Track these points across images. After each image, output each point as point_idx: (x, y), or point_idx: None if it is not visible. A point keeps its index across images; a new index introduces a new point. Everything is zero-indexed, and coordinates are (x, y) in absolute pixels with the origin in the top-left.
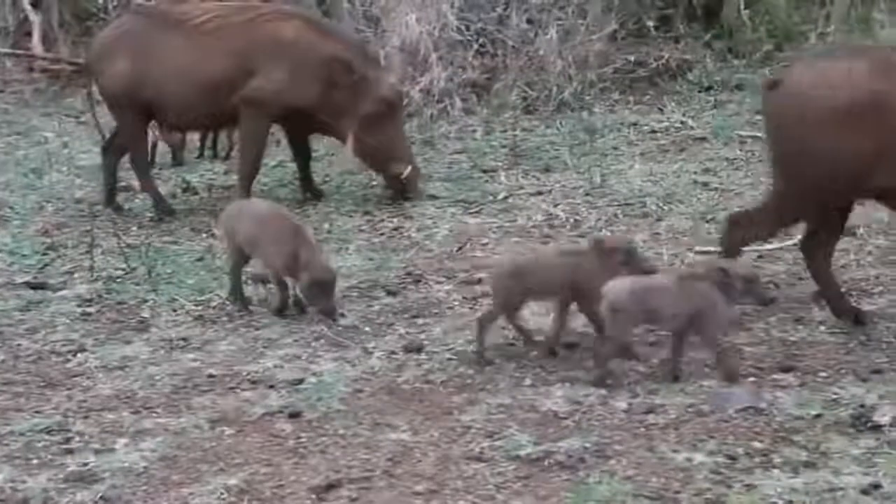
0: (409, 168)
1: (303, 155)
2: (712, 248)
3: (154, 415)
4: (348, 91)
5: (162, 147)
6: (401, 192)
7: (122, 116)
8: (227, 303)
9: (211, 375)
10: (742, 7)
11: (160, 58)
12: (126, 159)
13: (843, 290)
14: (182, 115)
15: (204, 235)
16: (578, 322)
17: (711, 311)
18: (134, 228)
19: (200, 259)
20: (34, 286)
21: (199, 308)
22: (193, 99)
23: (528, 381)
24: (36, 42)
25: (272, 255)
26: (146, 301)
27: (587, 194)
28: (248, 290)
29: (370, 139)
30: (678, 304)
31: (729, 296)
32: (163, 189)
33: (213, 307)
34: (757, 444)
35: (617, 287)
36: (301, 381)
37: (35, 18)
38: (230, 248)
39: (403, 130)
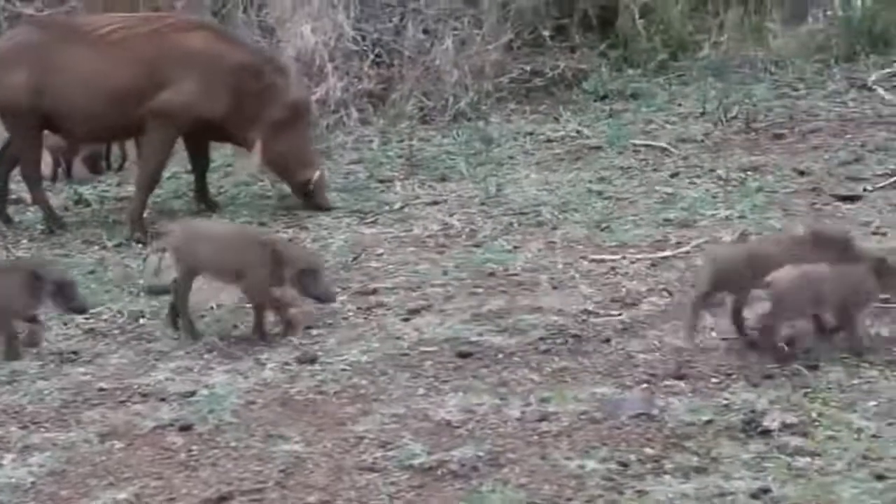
0: (318, 174)
1: (200, 166)
2: (607, 256)
3: (42, 429)
4: (256, 99)
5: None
6: (308, 200)
7: (16, 128)
8: (119, 315)
9: (101, 389)
10: (637, 17)
11: (63, 69)
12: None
13: None
14: (85, 126)
15: (96, 248)
16: (473, 331)
17: (866, 296)
18: (24, 241)
19: (92, 272)
20: None
21: (90, 321)
22: (99, 110)
23: (421, 391)
24: None
25: (254, 271)
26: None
27: (483, 204)
28: (140, 302)
29: (278, 146)
30: (841, 288)
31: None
32: (54, 201)
33: (105, 320)
34: (649, 451)
35: (784, 275)
36: (193, 394)
37: None
38: (182, 271)
39: (311, 138)
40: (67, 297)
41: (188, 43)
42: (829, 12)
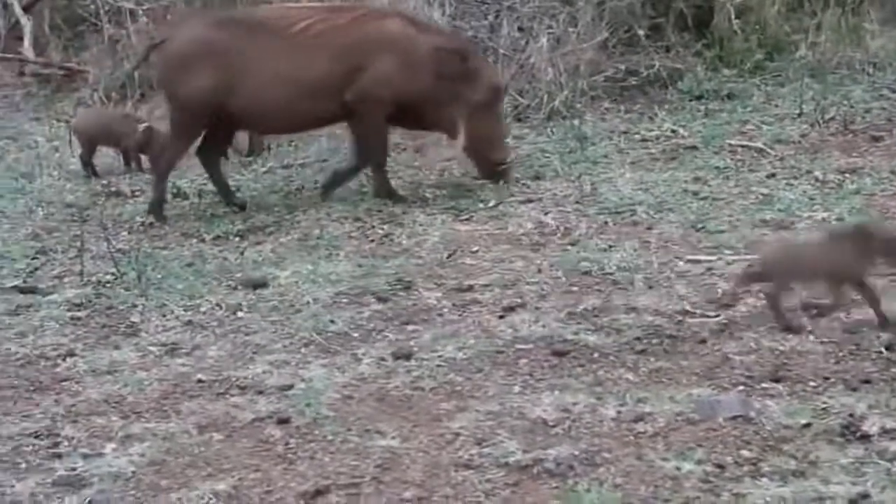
0: (511, 154)
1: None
2: (702, 257)
3: (142, 420)
4: (459, 81)
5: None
6: (497, 179)
7: (191, 124)
8: (217, 308)
9: (200, 381)
10: (733, 16)
11: (260, 66)
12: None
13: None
14: (280, 120)
15: (194, 241)
16: (569, 329)
17: None
18: (124, 233)
19: (190, 264)
20: (24, 290)
21: (189, 313)
22: (299, 104)
23: (516, 389)
24: (27, 46)
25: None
26: (136, 306)
27: (577, 202)
28: (238, 295)
29: (477, 128)
30: None
31: None
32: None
33: (203, 312)
34: (746, 453)
35: None
36: (290, 387)
37: (26, 23)
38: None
39: (503, 120)
40: None
41: (386, 29)
42: None
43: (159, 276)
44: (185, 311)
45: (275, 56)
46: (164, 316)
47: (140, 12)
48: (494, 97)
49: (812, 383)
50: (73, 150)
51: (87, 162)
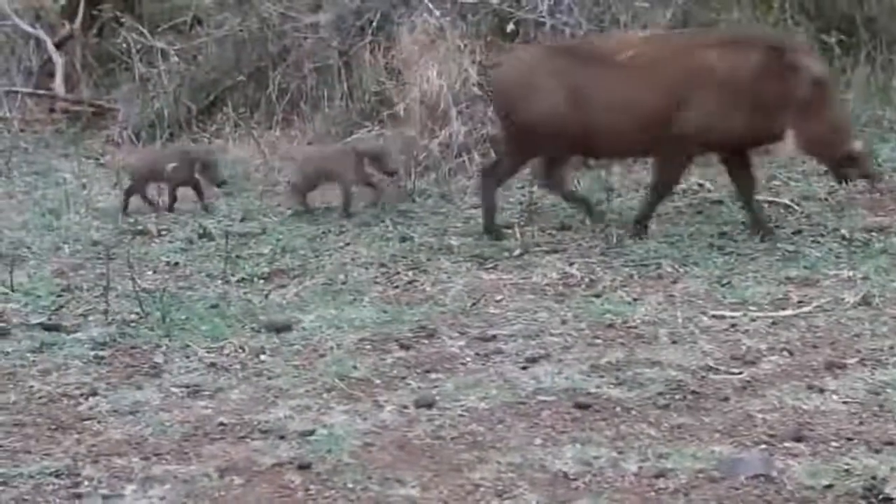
0: (859, 143)
1: (746, 186)
2: (727, 313)
3: (163, 462)
4: (779, 93)
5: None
6: (851, 177)
7: (543, 148)
8: (240, 351)
9: (222, 424)
10: None
11: (600, 92)
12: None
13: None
14: (616, 146)
15: (219, 282)
16: (591, 382)
17: None
18: (149, 273)
19: (215, 306)
20: (48, 328)
21: (212, 355)
22: (630, 131)
23: (538, 441)
24: (58, 83)
25: None
26: (159, 346)
27: (603, 254)
28: (261, 338)
29: (811, 127)
30: None
31: None
32: (180, 234)
33: (227, 354)
34: None
35: None
36: (311, 433)
37: (58, 60)
38: None
39: (840, 109)
40: None
41: (705, 62)
42: None
43: (183, 317)
44: (208, 352)
45: (613, 83)
46: (188, 357)
47: (171, 52)
48: (821, 87)
49: (834, 444)
50: (120, 184)
51: (132, 195)
